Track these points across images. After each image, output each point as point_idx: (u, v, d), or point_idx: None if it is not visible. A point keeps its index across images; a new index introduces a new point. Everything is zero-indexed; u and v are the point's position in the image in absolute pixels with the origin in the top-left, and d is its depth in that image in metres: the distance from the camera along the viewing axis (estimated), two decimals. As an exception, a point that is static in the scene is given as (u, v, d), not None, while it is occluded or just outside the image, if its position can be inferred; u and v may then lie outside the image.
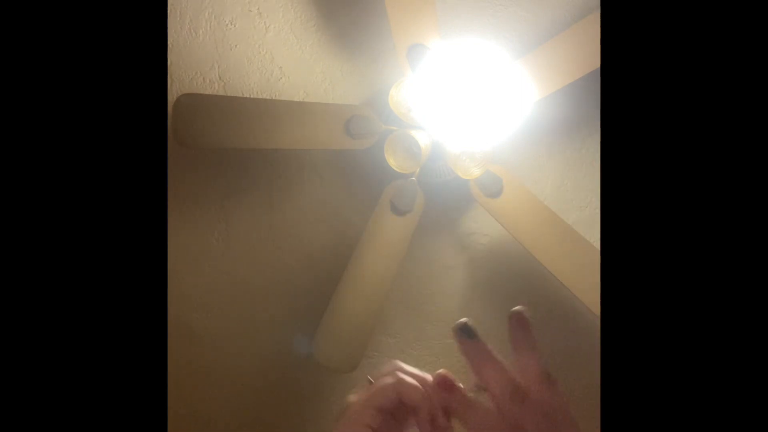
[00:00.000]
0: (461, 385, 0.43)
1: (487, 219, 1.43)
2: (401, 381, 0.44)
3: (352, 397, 0.46)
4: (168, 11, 1.32)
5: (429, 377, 0.45)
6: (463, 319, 0.43)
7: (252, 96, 1.38)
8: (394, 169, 1.25)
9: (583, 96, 1.34)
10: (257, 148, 1.37)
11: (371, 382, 0.48)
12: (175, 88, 1.35)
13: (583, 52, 1.16)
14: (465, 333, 0.43)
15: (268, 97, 1.38)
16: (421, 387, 0.44)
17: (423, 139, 1.23)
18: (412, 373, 0.46)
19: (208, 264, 1.49)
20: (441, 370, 0.43)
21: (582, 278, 1.25)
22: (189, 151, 1.41)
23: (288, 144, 1.24)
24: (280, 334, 1.54)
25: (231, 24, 1.34)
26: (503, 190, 1.26)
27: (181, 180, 1.43)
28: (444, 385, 0.42)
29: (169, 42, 1.34)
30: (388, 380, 0.45)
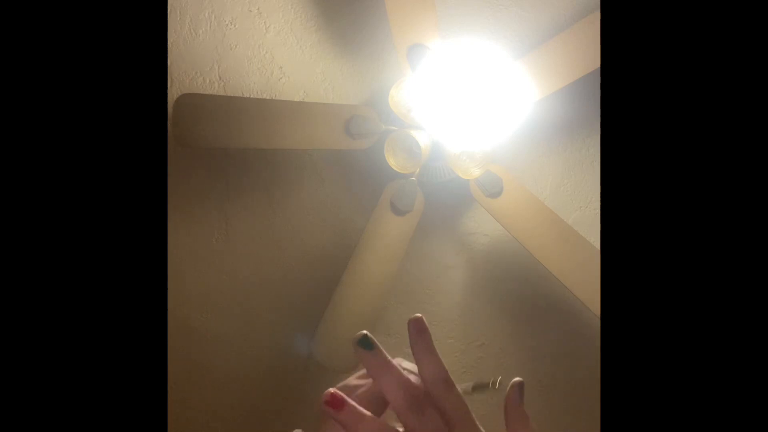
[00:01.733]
0: (351, 401, 0.43)
1: (487, 219, 1.43)
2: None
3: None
4: (168, 11, 1.32)
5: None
6: (362, 332, 0.44)
7: (252, 96, 1.38)
8: (394, 169, 1.25)
9: (583, 96, 1.34)
10: (257, 148, 1.37)
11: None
12: (175, 88, 1.35)
13: (583, 52, 1.16)
14: (363, 344, 0.43)
15: (268, 97, 1.38)
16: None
17: (423, 139, 1.23)
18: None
19: (208, 264, 1.49)
20: (329, 389, 0.43)
21: (582, 278, 1.25)
22: (189, 151, 1.41)
23: (288, 144, 1.24)
24: (280, 333, 1.54)
25: (231, 24, 1.34)
26: (503, 190, 1.27)
27: (181, 180, 1.43)
28: (334, 403, 0.42)
29: (169, 42, 1.34)
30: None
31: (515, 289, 1.52)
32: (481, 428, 0.43)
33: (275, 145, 1.24)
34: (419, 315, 0.44)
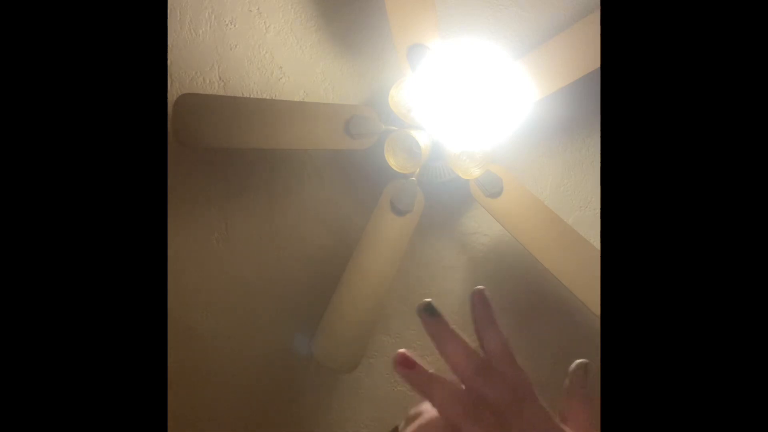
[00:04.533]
0: (422, 364, 0.43)
1: (487, 219, 1.43)
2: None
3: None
4: (168, 11, 1.32)
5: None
6: (426, 299, 0.44)
7: (252, 96, 1.38)
8: (394, 169, 1.25)
9: (583, 96, 1.33)
10: (257, 148, 1.37)
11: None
12: (175, 88, 1.35)
13: (583, 52, 1.16)
14: (428, 312, 0.43)
15: (268, 97, 1.38)
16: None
17: (423, 139, 1.23)
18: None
19: (208, 264, 1.49)
20: (400, 350, 0.43)
21: (582, 278, 1.25)
22: (189, 151, 1.41)
23: (288, 144, 1.24)
24: (280, 334, 1.54)
25: (231, 24, 1.34)
26: (503, 190, 1.27)
27: (181, 180, 1.43)
28: (404, 363, 0.42)
29: (169, 42, 1.34)
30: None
31: (515, 289, 1.52)
32: (542, 400, 0.42)
33: (275, 145, 1.24)
34: (482, 287, 0.44)
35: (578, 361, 0.46)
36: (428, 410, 0.46)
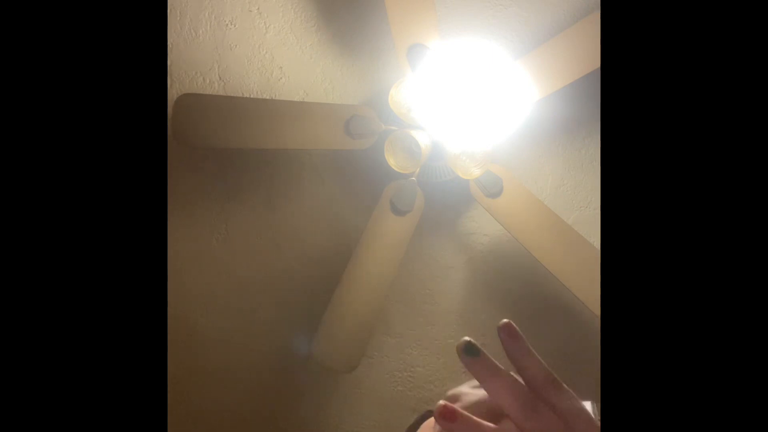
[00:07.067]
0: (464, 412, 0.41)
1: (487, 219, 1.43)
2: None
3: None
4: (168, 11, 1.32)
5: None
6: (465, 338, 0.43)
7: (252, 96, 1.38)
8: (394, 169, 1.25)
9: (583, 96, 1.34)
10: (257, 148, 1.37)
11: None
12: (175, 88, 1.35)
13: (583, 52, 1.16)
14: (468, 352, 0.42)
15: (268, 97, 1.38)
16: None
17: (423, 139, 1.23)
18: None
19: (208, 264, 1.49)
20: (440, 402, 0.42)
21: (582, 278, 1.25)
22: (189, 151, 1.41)
23: (288, 144, 1.24)
24: (279, 334, 1.54)
25: (231, 24, 1.35)
26: (503, 190, 1.27)
27: (181, 180, 1.43)
28: (446, 415, 0.40)
29: (169, 42, 1.34)
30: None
31: (515, 289, 1.52)
32: (597, 422, 0.41)
33: (275, 145, 1.24)
34: (507, 320, 0.43)
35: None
36: (468, 393, 0.45)
